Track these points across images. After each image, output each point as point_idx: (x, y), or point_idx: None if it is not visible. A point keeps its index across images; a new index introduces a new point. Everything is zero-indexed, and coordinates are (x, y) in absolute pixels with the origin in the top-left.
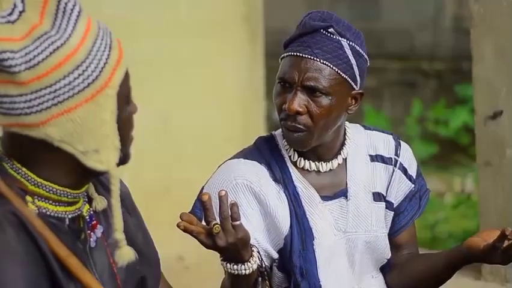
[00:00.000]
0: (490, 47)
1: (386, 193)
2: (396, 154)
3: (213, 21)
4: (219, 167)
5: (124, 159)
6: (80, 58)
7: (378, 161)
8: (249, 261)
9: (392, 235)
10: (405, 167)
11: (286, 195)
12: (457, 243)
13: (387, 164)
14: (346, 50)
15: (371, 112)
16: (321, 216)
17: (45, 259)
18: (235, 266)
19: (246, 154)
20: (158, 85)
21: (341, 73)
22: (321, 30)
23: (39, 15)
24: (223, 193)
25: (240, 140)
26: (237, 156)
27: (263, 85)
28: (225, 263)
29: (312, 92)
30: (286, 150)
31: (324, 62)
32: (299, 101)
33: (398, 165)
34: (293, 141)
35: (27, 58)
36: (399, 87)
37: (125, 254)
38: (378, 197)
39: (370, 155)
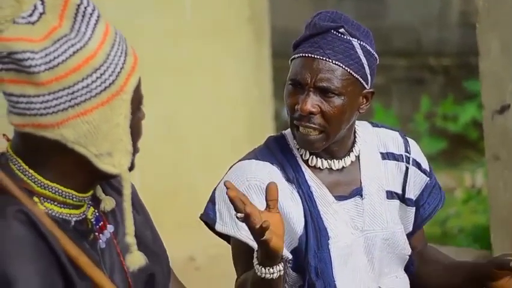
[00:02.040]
0: (495, 42)
1: (404, 191)
2: (407, 151)
3: (218, 22)
4: (230, 168)
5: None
6: (98, 62)
7: (389, 159)
8: (280, 263)
9: (414, 228)
10: (419, 162)
11: (300, 195)
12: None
13: (398, 161)
14: (357, 49)
15: (379, 110)
16: (336, 215)
17: (56, 256)
18: (270, 270)
19: (257, 154)
20: (164, 87)
21: (353, 73)
22: (332, 31)
23: (59, 18)
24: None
25: (247, 142)
26: (248, 156)
27: (270, 86)
28: (260, 267)
29: (324, 92)
30: (298, 149)
31: (336, 62)
32: (312, 102)
33: (411, 161)
34: (306, 142)
35: (47, 59)
36: (407, 84)
37: (136, 259)
38: (391, 195)
39: (381, 153)
